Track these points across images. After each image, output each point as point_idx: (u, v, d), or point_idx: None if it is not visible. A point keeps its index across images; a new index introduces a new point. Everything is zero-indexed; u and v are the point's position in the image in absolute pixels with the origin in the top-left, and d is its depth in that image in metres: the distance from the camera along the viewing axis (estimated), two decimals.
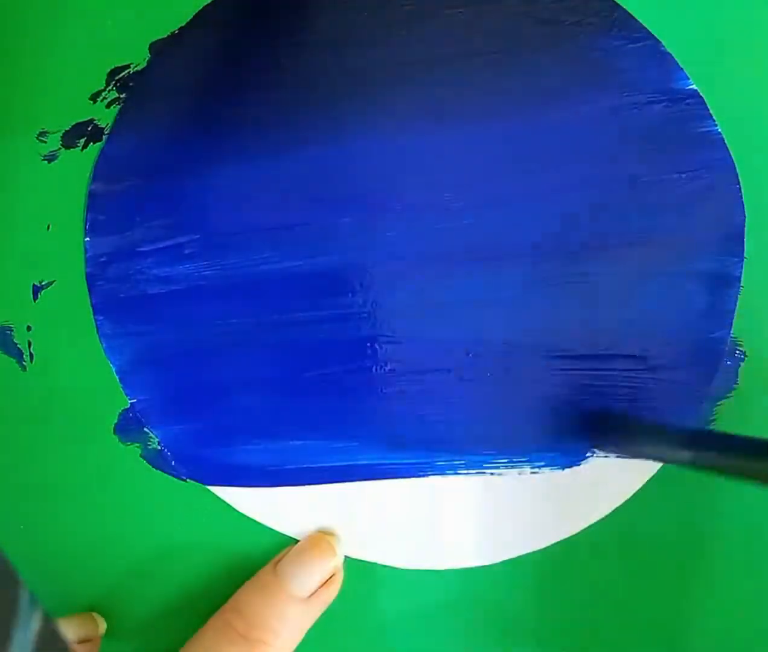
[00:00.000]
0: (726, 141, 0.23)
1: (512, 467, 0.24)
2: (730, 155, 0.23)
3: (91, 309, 0.26)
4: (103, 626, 0.25)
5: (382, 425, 0.24)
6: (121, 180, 0.25)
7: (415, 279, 0.24)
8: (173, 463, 0.25)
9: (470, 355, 0.24)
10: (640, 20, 0.23)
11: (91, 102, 0.26)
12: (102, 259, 0.25)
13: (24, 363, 0.26)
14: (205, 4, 0.25)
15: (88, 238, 0.25)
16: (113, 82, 0.26)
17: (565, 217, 0.24)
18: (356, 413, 0.24)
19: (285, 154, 0.25)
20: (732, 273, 0.23)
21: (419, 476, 0.24)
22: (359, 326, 0.24)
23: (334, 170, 0.24)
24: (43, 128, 0.26)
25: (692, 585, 0.23)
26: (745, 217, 0.23)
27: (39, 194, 0.26)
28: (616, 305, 0.23)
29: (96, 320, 0.25)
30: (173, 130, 0.25)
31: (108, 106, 0.26)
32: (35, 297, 0.26)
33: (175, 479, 0.25)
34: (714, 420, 0.23)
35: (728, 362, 0.23)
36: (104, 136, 0.26)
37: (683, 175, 0.23)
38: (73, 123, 0.26)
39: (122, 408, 0.25)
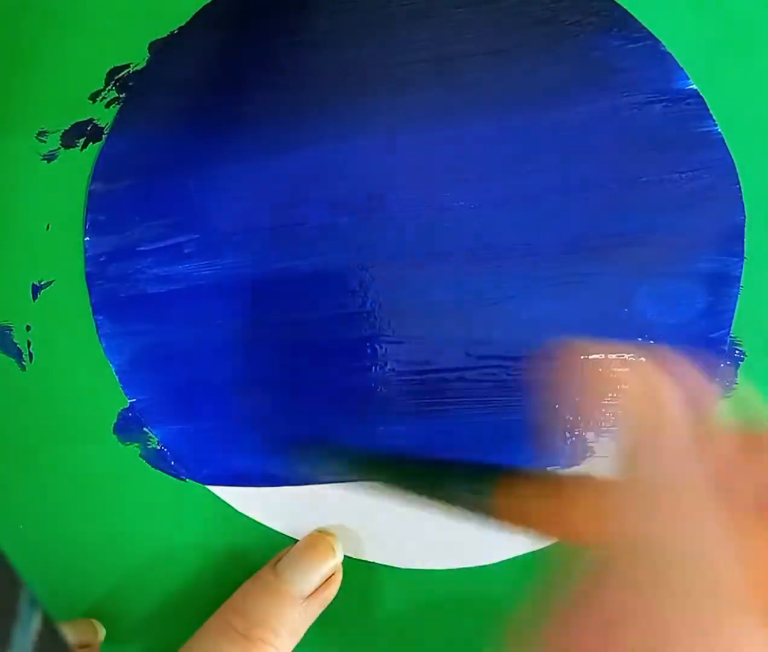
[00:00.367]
0: (726, 141, 0.23)
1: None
2: (729, 155, 0.23)
3: (90, 309, 0.25)
4: (102, 632, 0.25)
5: (381, 425, 0.24)
6: (121, 180, 0.25)
7: (415, 279, 0.24)
8: (173, 463, 0.25)
9: (471, 355, 0.24)
10: (640, 20, 0.24)
11: (91, 102, 0.26)
12: (102, 259, 0.25)
13: (23, 363, 0.26)
14: (205, 4, 0.25)
15: (87, 238, 0.25)
16: (113, 82, 0.26)
17: (565, 216, 0.24)
18: (355, 413, 0.24)
19: (284, 154, 0.25)
20: (732, 273, 0.23)
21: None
22: (359, 326, 0.24)
23: (334, 170, 0.24)
24: (42, 128, 0.26)
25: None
26: (745, 216, 0.23)
27: (39, 194, 0.26)
28: (616, 305, 0.23)
29: (96, 320, 0.25)
30: (173, 129, 0.25)
31: (107, 105, 0.26)
32: (35, 297, 0.26)
33: (174, 479, 0.25)
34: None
35: (728, 362, 0.23)
36: (104, 136, 0.26)
37: (683, 175, 0.23)
38: (73, 123, 0.26)
39: (122, 408, 0.25)
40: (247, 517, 0.25)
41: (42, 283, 0.26)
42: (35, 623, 0.14)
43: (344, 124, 0.24)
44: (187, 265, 0.25)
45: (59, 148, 0.26)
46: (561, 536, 0.18)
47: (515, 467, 0.19)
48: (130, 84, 0.26)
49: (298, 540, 0.24)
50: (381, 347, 0.24)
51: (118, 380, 0.25)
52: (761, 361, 0.23)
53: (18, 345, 0.26)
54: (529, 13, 0.24)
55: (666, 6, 0.24)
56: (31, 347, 0.26)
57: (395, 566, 0.24)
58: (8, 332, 0.26)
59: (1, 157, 0.26)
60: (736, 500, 0.15)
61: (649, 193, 0.23)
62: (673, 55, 0.23)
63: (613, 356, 0.23)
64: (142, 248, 0.25)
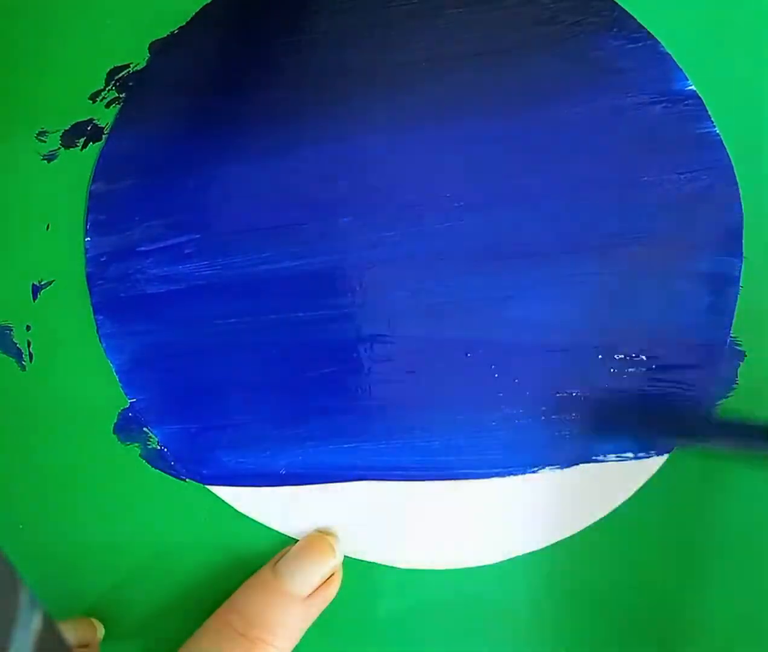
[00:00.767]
0: (724, 142, 0.23)
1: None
2: (728, 156, 0.23)
3: (91, 309, 0.26)
4: (101, 630, 0.25)
5: (380, 425, 0.24)
6: (122, 180, 0.25)
7: (415, 279, 0.24)
8: (173, 462, 0.25)
9: (469, 355, 0.24)
10: (640, 20, 0.24)
11: (91, 102, 0.26)
12: (102, 259, 0.25)
13: (23, 363, 0.26)
14: (205, 4, 0.25)
15: (88, 239, 0.26)
16: (113, 82, 0.26)
17: (565, 216, 0.24)
18: (354, 413, 0.24)
19: (284, 154, 0.25)
20: (731, 273, 0.23)
21: (419, 479, 0.24)
22: (358, 326, 0.24)
23: (333, 170, 0.24)
24: (42, 128, 0.26)
25: (692, 585, 0.23)
26: (743, 217, 0.23)
27: (39, 194, 0.26)
28: (615, 305, 0.23)
29: (96, 320, 0.25)
30: (173, 129, 0.25)
31: (107, 105, 0.26)
32: (35, 297, 0.26)
33: (174, 479, 0.25)
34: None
35: (728, 362, 0.23)
36: (104, 136, 0.26)
37: (682, 176, 0.23)
38: (73, 122, 0.26)
39: (122, 408, 0.25)
40: (247, 517, 0.25)
41: (42, 283, 0.26)
42: (35, 623, 0.14)
43: (344, 124, 0.24)
44: (187, 265, 0.25)
45: (59, 148, 0.26)
46: None
47: None
48: (130, 84, 0.26)
49: (298, 540, 0.24)
50: (380, 347, 0.24)
51: (118, 379, 0.25)
52: (761, 361, 0.23)
53: (18, 345, 0.26)
54: (529, 13, 0.24)
55: (666, 6, 0.24)
56: (31, 347, 0.26)
57: (395, 566, 0.24)
58: (8, 332, 0.26)
59: (1, 157, 0.26)
60: None
61: (648, 193, 0.23)
62: (672, 55, 0.23)
63: (616, 357, 0.23)
64: (142, 248, 0.25)
